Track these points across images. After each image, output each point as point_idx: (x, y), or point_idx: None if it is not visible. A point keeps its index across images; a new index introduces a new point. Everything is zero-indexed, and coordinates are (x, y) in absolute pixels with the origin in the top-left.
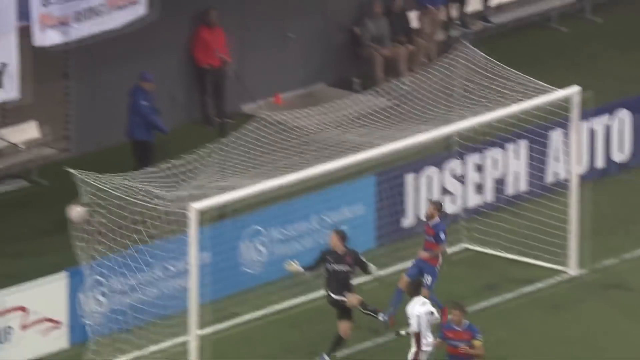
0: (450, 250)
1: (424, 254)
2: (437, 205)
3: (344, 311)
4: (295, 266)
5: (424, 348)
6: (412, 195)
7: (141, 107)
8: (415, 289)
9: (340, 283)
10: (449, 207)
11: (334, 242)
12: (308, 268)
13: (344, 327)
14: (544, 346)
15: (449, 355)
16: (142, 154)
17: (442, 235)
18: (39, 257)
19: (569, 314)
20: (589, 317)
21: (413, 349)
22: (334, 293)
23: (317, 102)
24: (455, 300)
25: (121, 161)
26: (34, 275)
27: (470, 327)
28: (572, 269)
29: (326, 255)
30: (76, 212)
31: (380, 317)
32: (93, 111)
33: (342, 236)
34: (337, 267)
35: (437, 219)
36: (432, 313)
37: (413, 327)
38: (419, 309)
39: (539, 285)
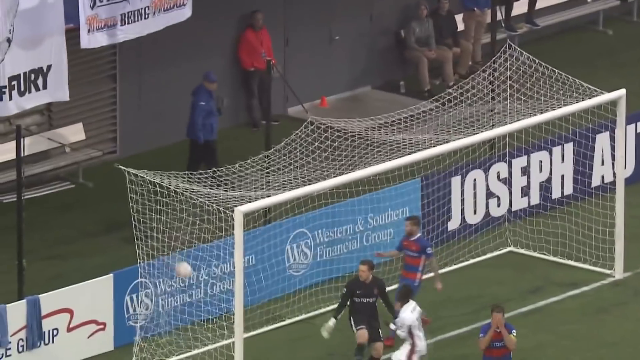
0: (495, 253)
1: (408, 273)
2: (415, 221)
3: (371, 334)
4: (330, 326)
5: (418, 348)
6: (457, 198)
7: (196, 107)
8: (405, 295)
9: (364, 314)
10: (495, 210)
11: (365, 274)
12: (339, 312)
13: (377, 347)
14: (588, 349)
15: (485, 355)
16: (197, 153)
17: (430, 250)
18: (84, 258)
19: (613, 317)
20: (633, 321)
21: (407, 348)
22: (355, 323)
23: (363, 105)
24: (497, 303)
25: (167, 162)
26: (79, 277)
27: (506, 326)
28: (618, 273)
29: (354, 289)
30: (184, 269)
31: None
32: (139, 113)
33: (372, 266)
34: (365, 300)
35: (418, 235)
36: (421, 313)
37: (402, 335)
38: (410, 316)
39: (584, 288)
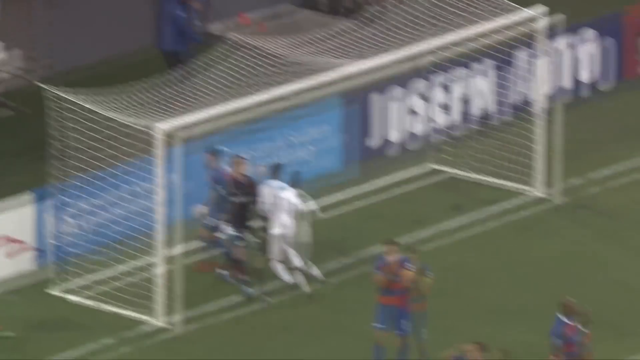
0: (416, 171)
1: None
2: (212, 153)
3: None
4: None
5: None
6: (378, 116)
7: (176, 17)
8: (295, 180)
9: (237, 216)
10: (416, 128)
11: (242, 167)
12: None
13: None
14: (514, 267)
15: (381, 303)
16: (173, 64)
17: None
18: (4, 178)
19: (536, 235)
20: (555, 238)
21: None
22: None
23: (284, 25)
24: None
25: (88, 81)
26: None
27: (404, 260)
28: (539, 190)
29: (229, 187)
30: None
31: (246, 292)
32: (59, 32)
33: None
34: (245, 198)
35: (217, 166)
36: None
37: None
38: (286, 194)
39: (506, 206)
